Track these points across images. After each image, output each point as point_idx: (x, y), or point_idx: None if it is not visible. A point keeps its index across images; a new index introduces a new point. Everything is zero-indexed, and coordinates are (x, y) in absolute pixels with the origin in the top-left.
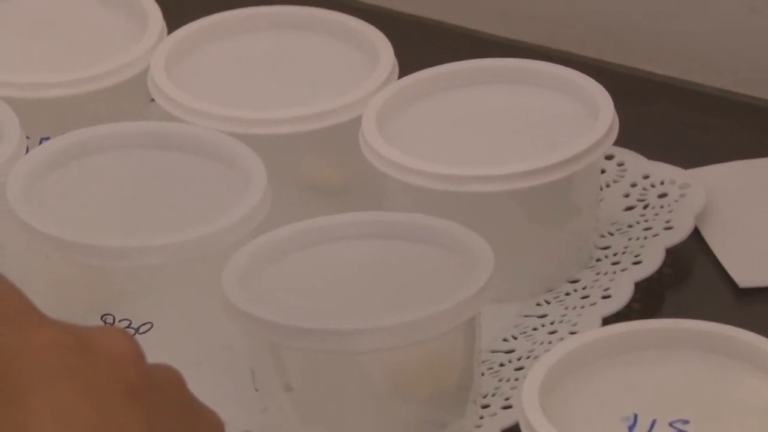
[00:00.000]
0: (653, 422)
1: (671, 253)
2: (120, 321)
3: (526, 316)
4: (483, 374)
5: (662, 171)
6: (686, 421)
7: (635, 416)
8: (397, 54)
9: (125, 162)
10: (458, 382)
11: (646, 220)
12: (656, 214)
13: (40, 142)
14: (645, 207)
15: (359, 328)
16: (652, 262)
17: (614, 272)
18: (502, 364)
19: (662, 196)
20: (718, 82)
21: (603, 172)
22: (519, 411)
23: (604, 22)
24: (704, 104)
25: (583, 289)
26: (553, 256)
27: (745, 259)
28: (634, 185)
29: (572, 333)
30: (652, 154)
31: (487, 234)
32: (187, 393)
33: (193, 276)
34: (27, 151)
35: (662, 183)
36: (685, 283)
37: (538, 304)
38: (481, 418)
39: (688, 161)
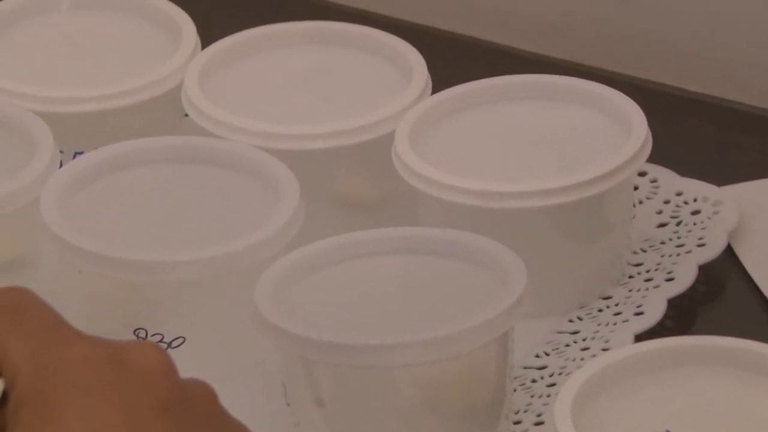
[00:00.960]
0: None
1: (704, 269)
2: (153, 335)
3: (558, 332)
4: (515, 390)
5: (695, 188)
6: None
7: None
8: (431, 69)
9: (159, 177)
10: (490, 398)
11: (678, 237)
12: (689, 231)
13: (74, 157)
14: (678, 224)
15: (392, 343)
16: (684, 278)
17: (647, 289)
18: (534, 380)
19: (695, 213)
20: (751, 99)
21: (636, 188)
22: (551, 427)
23: (638, 39)
24: (738, 121)
25: (616, 305)
26: (586, 272)
27: None
28: (667, 202)
29: (605, 349)
30: (685, 170)
31: (519, 249)
32: (219, 407)
33: (225, 291)
34: (61, 165)
35: (695, 200)
36: (717, 300)
37: (571, 321)
38: None
39: (721, 178)
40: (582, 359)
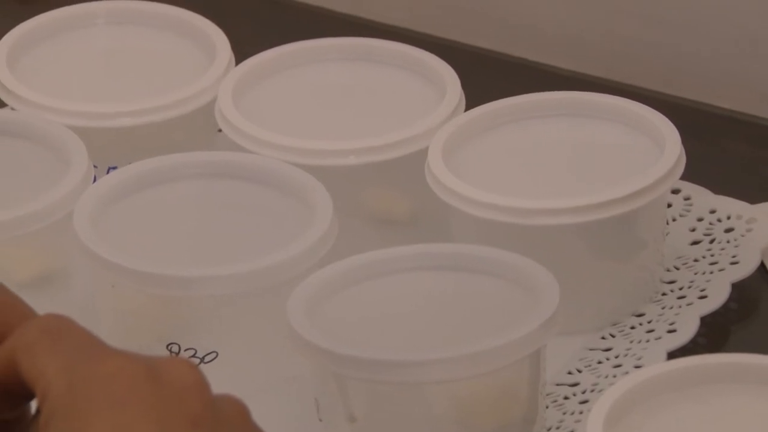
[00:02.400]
0: None
1: (737, 287)
2: (185, 350)
3: (591, 349)
4: (547, 407)
5: (729, 206)
6: None
7: None
8: (464, 86)
9: (192, 192)
10: (523, 415)
11: (712, 255)
12: (722, 249)
13: (108, 172)
14: (711, 241)
15: (425, 360)
16: (717, 296)
17: (680, 306)
18: (566, 397)
19: (728, 230)
20: None
21: (669, 206)
22: None
23: (672, 56)
24: None
25: (649, 323)
26: (619, 289)
27: None
28: (700, 219)
29: (637, 367)
30: (718, 188)
31: (552, 266)
32: (251, 424)
33: (258, 306)
34: (94, 180)
35: (729, 218)
36: (750, 317)
37: (603, 338)
38: None
39: (754, 196)
40: (614, 376)
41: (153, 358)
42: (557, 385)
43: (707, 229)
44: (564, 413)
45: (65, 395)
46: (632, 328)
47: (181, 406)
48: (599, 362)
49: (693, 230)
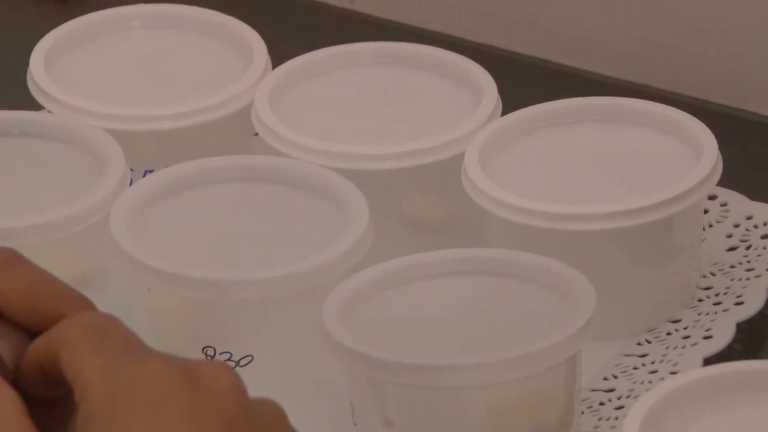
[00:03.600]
0: None
1: None
2: (221, 354)
3: (626, 355)
4: (583, 413)
5: (765, 212)
6: None
7: None
8: (501, 91)
9: (228, 195)
10: (558, 420)
11: (748, 261)
12: (759, 255)
13: (144, 175)
14: (748, 248)
15: (461, 364)
16: (754, 302)
17: (716, 313)
18: (602, 403)
19: (765, 237)
20: None
21: (706, 212)
22: None
23: (706, 62)
24: None
25: (685, 329)
26: (655, 295)
27: None
28: (737, 226)
29: (673, 373)
30: (755, 194)
31: (588, 272)
32: (288, 427)
33: (294, 310)
34: (131, 183)
35: (765, 224)
36: None
37: (639, 344)
38: None
39: None
40: (650, 382)
41: (190, 362)
42: (593, 390)
43: (744, 235)
44: (599, 419)
45: (103, 398)
46: (668, 334)
47: (217, 410)
48: (635, 368)
49: (729, 236)
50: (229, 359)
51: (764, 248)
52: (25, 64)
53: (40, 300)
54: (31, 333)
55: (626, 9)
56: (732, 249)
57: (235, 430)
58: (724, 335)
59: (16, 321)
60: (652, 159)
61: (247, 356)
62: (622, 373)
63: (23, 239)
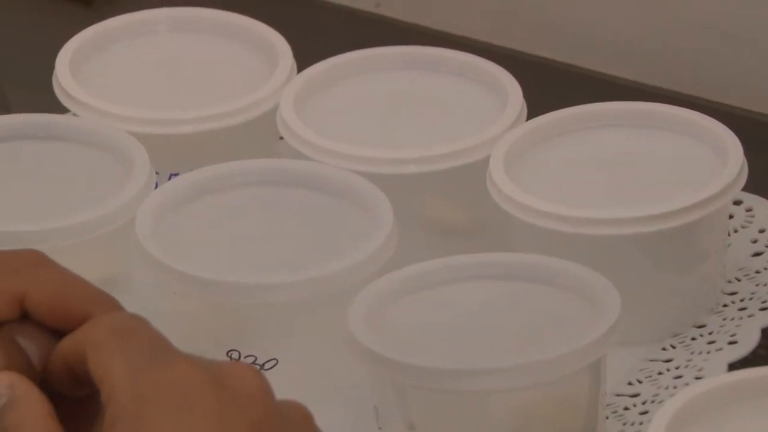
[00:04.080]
0: None
1: None
2: (245, 357)
3: (651, 360)
4: (607, 418)
5: None
6: None
7: None
8: (526, 96)
9: (253, 199)
10: (582, 425)
11: None
12: None
13: (169, 178)
14: None
15: (485, 368)
16: None
17: (741, 318)
18: (626, 408)
19: None
20: None
21: (731, 217)
22: None
23: (731, 66)
24: None
25: (710, 334)
26: (679, 300)
27: None
28: (762, 231)
29: (698, 378)
30: None
31: (612, 277)
32: (314, 429)
33: (318, 313)
34: (156, 186)
35: None
36: None
37: (664, 349)
38: None
39: None
40: (675, 387)
41: (217, 364)
42: (617, 395)
43: None
44: (624, 424)
45: (130, 400)
46: (693, 339)
47: (244, 412)
48: (660, 373)
49: (755, 242)
50: (253, 363)
51: None
52: (51, 67)
53: (66, 301)
54: (58, 334)
55: (651, 13)
56: (757, 254)
57: (262, 431)
58: (749, 340)
59: (44, 322)
60: (677, 164)
61: (271, 360)
62: (646, 378)
63: (49, 242)
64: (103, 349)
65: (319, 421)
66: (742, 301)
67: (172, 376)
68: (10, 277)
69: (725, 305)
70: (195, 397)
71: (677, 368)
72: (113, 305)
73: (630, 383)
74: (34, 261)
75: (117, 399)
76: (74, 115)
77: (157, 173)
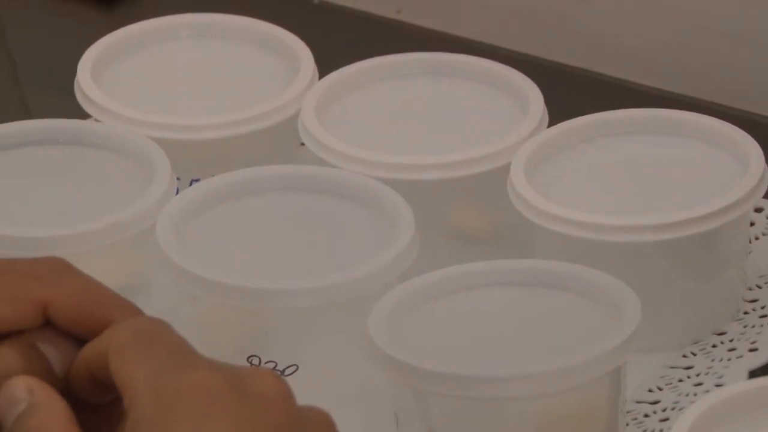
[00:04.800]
0: None
1: None
2: (266, 363)
3: (671, 367)
4: (627, 424)
5: None
6: None
7: None
8: (547, 102)
9: (274, 205)
10: None
11: None
12: None
13: (190, 184)
14: None
15: (506, 375)
16: None
17: (762, 325)
18: (646, 415)
19: None
20: None
21: (752, 224)
22: None
23: (752, 73)
24: None
25: (730, 341)
26: (700, 307)
27: None
28: None
29: (718, 385)
30: None
31: (633, 283)
32: None
33: (339, 319)
34: (177, 192)
35: None
36: None
37: (684, 356)
38: None
39: None
40: (695, 394)
41: (239, 369)
42: (637, 402)
43: None
44: (644, 431)
45: (152, 405)
46: (713, 346)
47: (265, 417)
48: (680, 380)
49: None
50: (274, 368)
51: None
52: (73, 72)
53: (88, 307)
54: (81, 341)
55: (673, 20)
56: None
57: None
58: None
59: (66, 329)
60: (698, 171)
61: (292, 365)
62: (667, 385)
63: (70, 247)
64: (125, 353)
65: (339, 426)
66: (762, 308)
67: (194, 381)
68: (32, 284)
69: (746, 312)
70: (216, 402)
71: (698, 375)
72: (134, 311)
73: (650, 390)
74: (57, 268)
75: (139, 403)
76: (96, 120)
77: (178, 179)
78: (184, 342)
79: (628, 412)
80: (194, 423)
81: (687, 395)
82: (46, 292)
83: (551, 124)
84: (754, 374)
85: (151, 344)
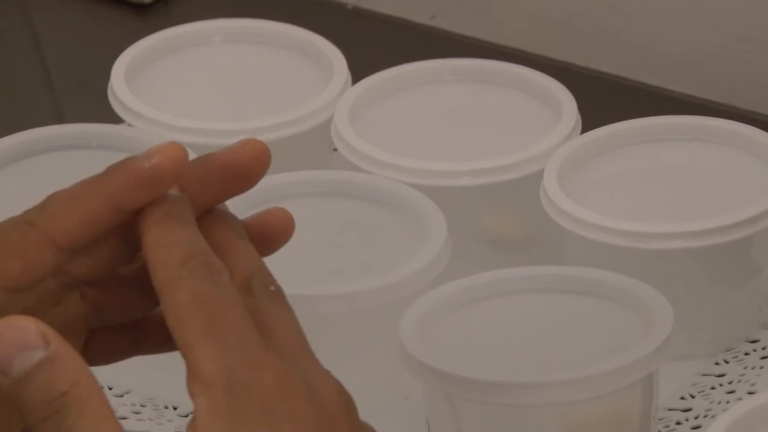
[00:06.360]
0: None
1: None
2: None
3: (704, 374)
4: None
5: None
6: None
7: None
8: (580, 109)
9: (307, 210)
10: None
11: None
12: None
13: None
14: None
15: (538, 382)
16: None
17: None
18: (678, 423)
19: None
20: None
21: None
22: None
23: None
24: None
25: (763, 349)
26: (732, 315)
27: None
28: None
29: (750, 393)
30: None
31: (665, 291)
32: None
33: (371, 325)
34: None
35: None
36: None
37: (717, 363)
38: None
39: None
40: (728, 402)
41: (309, 372)
42: (669, 410)
43: None
44: None
45: (222, 397)
46: (746, 354)
47: (330, 426)
48: (712, 388)
49: None
50: None
51: None
52: (106, 77)
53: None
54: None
55: (706, 27)
56: None
57: None
58: None
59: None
60: (731, 178)
61: None
62: (699, 392)
63: None
64: (189, 325)
65: None
66: None
67: (267, 381)
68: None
69: None
70: (287, 406)
71: (730, 383)
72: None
73: (682, 398)
74: (48, 200)
75: (209, 396)
76: (129, 125)
77: None
78: (247, 320)
79: (660, 420)
80: (261, 421)
81: (719, 403)
82: (49, 226)
83: (584, 130)
84: None
85: (217, 323)
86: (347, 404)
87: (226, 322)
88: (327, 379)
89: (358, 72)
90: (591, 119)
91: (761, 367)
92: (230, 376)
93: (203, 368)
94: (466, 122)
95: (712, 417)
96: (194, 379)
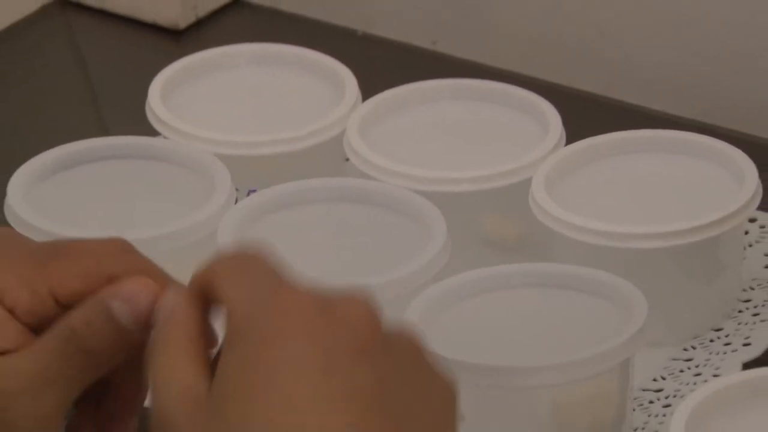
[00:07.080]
0: None
1: None
2: None
3: (674, 359)
4: (634, 410)
5: None
6: None
7: None
8: (565, 123)
9: (322, 213)
10: (613, 417)
11: None
12: None
13: (248, 194)
14: None
15: (529, 366)
16: None
17: (754, 323)
18: (651, 402)
19: None
20: None
21: (747, 233)
22: None
23: (753, 99)
24: None
25: (726, 336)
26: (701, 306)
27: None
28: None
29: (715, 376)
30: None
31: (642, 285)
32: (423, 357)
33: None
34: (236, 201)
35: None
36: None
37: (685, 349)
38: None
39: None
40: (695, 384)
41: (329, 293)
42: (644, 390)
43: None
44: (649, 416)
45: (244, 321)
46: (711, 341)
47: (349, 337)
48: (681, 371)
49: (767, 255)
50: None
51: None
52: (144, 95)
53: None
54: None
55: (682, 50)
56: None
57: (366, 354)
58: (761, 342)
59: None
60: (700, 185)
61: None
62: (669, 375)
63: (142, 249)
64: (227, 276)
65: None
66: (755, 307)
67: (282, 305)
68: (102, 261)
69: (740, 311)
70: (301, 323)
71: (697, 367)
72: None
73: (655, 379)
74: (122, 248)
75: (233, 320)
76: (164, 137)
77: (237, 190)
78: (281, 266)
79: (635, 399)
80: (279, 342)
81: (687, 384)
82: (113, 268)
83: (568, 143)
84: (747, 366)
85: (249, 268)
86: (369, 316)
87: (256, 263)
88: (349, 297)
89: (367, 91)
90: (575, 133)
91: (725, 353)
92: (252, 302)
93: (231, 299)
94: (464, 135)
95: (681, 397)
96: (225, 310)
